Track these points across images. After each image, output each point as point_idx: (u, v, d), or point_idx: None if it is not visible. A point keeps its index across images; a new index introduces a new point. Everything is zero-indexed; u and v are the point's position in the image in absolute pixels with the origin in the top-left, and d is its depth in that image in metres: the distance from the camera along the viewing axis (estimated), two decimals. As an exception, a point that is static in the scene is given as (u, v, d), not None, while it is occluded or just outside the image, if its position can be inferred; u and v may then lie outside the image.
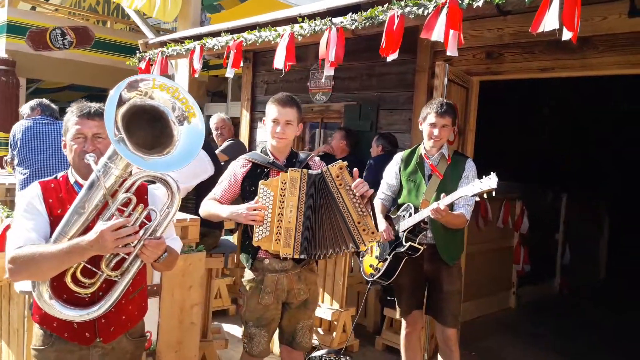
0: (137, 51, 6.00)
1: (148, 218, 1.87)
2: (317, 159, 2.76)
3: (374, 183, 4.18)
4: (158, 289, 2.57)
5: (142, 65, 5.64)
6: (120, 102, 1.69)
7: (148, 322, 2.47)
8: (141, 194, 2.00)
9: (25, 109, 4.08)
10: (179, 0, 6.17)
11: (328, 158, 4.99)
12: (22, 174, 3.83)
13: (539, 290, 5.99)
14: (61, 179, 1.97)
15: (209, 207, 2.60)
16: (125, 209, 1.82)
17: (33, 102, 4.03)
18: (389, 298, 4.16)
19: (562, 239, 6.16)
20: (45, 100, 4.03)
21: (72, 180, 1.95)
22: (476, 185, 2.70)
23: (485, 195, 2.68)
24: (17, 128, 3.91)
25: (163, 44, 5.67)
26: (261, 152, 2.66)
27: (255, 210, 2.41)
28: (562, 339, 4.75)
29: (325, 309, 4.03)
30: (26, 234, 1.81)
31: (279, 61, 4.01)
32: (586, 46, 3.51)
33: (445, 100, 3.05)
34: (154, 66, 5.44)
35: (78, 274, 1.83)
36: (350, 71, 5.09)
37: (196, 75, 4.95)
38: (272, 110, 2.57)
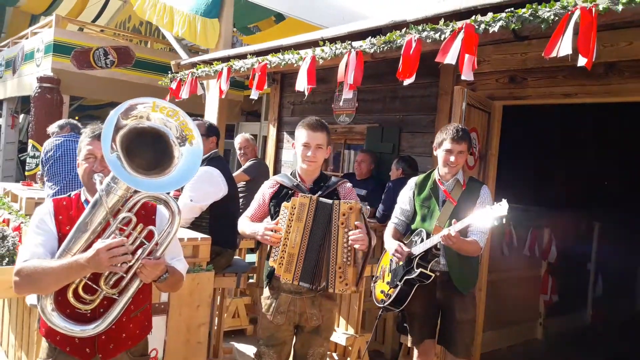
0: (170, 71, 6.19)
1: (150, 238, 1.92)
2: (348, 184, 2.74)
3: (392, 206, 4.17)
4: (165, 307, 2.61)
5: (174, 85, 5.81)
6: (119, 124, 1.75)
7: (155, 340, 2.52)
8: (149, 214, 2.05)
9: (53, 127, 4.26)
10: (217, 26, 6.34)
11: (349, 180, 4.99)
12: (51, 189, 3.99)
13: (568, 322, 5.75)
14: (74, 197, 2.05)
15: (241, 224, 2.71)
16: (126, 228, 1.87)
17: (62, 121, 4.21)
18: (405, 325, 4.09)
19: (594, 269, 5.92)
20: (73, 121, 4.20)
21: (82, 199, 2.03)
22: (487, 211, 2.65)
23: (503, 221, 2.64)
24: (49, 145, 4.08)
25: (194, 65, 5.84)
26: (291, 174, 2.73)
27: (270, 230, 2.46)
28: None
29: (340, 333, 3.99)
30: (34, 248, 1.89)
31: (301, 84, 4.07)
32: (611, 72, 3.42)
33: (460, 126, 3.01)
34: (184, 86, 5.59)
35: (80, 290, 1.89)
36: (374, 93, 5.10)
37: (223, 96, 5.06)
38: (302, 134, 2.61)
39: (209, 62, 5.56)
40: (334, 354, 4.05)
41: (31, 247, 1.89)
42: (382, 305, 3.12)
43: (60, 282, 1.83)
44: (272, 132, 6.28)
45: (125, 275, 1.88)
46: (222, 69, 5.05)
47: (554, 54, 2.49)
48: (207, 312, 2.75)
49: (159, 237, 1.91)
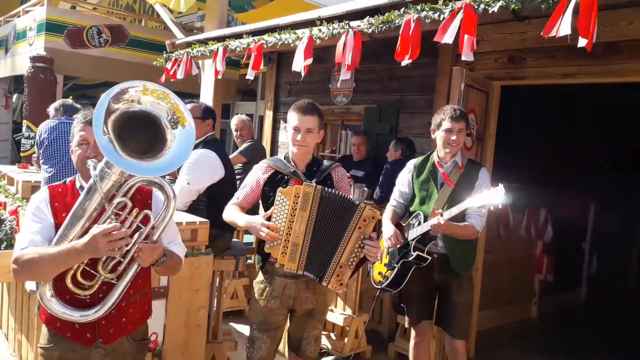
0: (165, 51, 6.11)
1: (146, 223, 1.91)
2: (341, 168, 2.73)
3: (390, 188, 4.16)
4: (165, 291, 2.62)
5: (169, 65, 5.74)
6: (110, 108, 1.73)
7: (155, 324, 2.53)
8: (145, 199, 2.04)
9: (51, 109, 4.22)
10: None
11: (346, 161, 4.98)
12: (47, 172, 3.96)
13: (562, 301, 5.82)
14: (69, 183, 2.04)
15: (230, 212, 2.63)
16: (122, 212, 1.86)
17: (57, 103, 4.16)
18: (402, 305, 4.12)
19: (589, 247, 5.97)
20: (68, 101, 4.16)
21: (77, 185, 2.02)
22: (483, 197, 2.65)
23: (499, 206, 2.63)
24: (43, 128, 4.05)
25: (189, 44, 5.77)
26: (284, 158, 2.66)
27: (267, 227, 2.40)
28: (582, 351, 4.61)
29: (338, 314, 4.03)
30: (31, 236, 1.88)
31: (298, 64, 4.03)
32: (610, 52, 3.39)
33: (458, 107, 3.00)
34: (180, 66, 5.53)
35: (78, 276, 1.88)
36: (371, 73, 5.06)
37: (219, 77, 5.01)
38: (293, 117, 2.56)
39: (204, 42, 5.48)
40: (332, 334, 4.09)
41: (28, 235, 1.88)
42: (379, 287, 3.15)
43: (58, 268, 1.82)
44: (269, 112, 6.24)
45: (122, 259, 1.88)
46: (217, 48, 4.99)
47: (553, 34, 2.46)
48: (206, 295, 2.76)
49: (155, 221, 1.90)
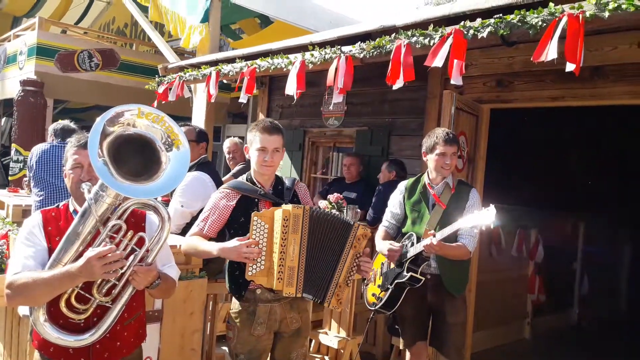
0: (157, 75, 6.15)
1: (141, 245, 1.91)
2: (302, 184, 2.74)
3: (383, 209, 4.19)
4: (159, 315, 2.59)
5: (161, 89, 5.77)
6: (105, 131, 1.74)
7: (149, 348, 2.49)
8: (138, 222, 2.05)
9: (50, 130, 4.21)
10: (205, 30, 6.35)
11: (339, 183, 5.01)
12: (37, 196, 3.94)
13: (555, 321, 5.84)
14: (62, 207, 2.04)
15: (195, 244, 2.48)
16: (116, 235, 1.86)
17: (57, 125, 4.14)
18: (396, 327, 4.11)
19: (580, 268, 6.02)
20: (68, 125, 4.13)
21: (71, 209, 2.02)
22: (474, 217, 2.68)
23: (492, 227, 2.66)
24: (34, 151, 4.03)
25: (181, 68, 5.82)
26: (247, 180, 2.59)
27: (248, 247, 2.33)
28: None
29: (332, 336, 4.00)
30: (24, 260, 1.87)
31: (291, 88, 4.08)
32: (597, 75, 3.48)
33: (447, 129, 3.05)
34: (171, 89, 5.57)
35: (72, 300, 1.87)
36: (363, 97, 5.13)
37: (212, 100, 5.04)
38: (257, 138, 2.49)
39: (196, 66, 5.53)
40: (326, 357, 4.06)
41: (21, 260, 1.87)
42: (373, 308, 3.14)
43: (52, 292, 1.81)
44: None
45: (117, 282, 1.88)
46: (210, 73, 5.03)
47: (542, 58, 2.53)
48: (200, 318, 2.74)
49: (149, 243, 1.91)
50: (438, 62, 2.99)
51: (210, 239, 2.56)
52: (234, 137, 5.30)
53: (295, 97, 4.05)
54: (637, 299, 6.70)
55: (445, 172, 3.01)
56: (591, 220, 6.06)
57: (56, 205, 2.07)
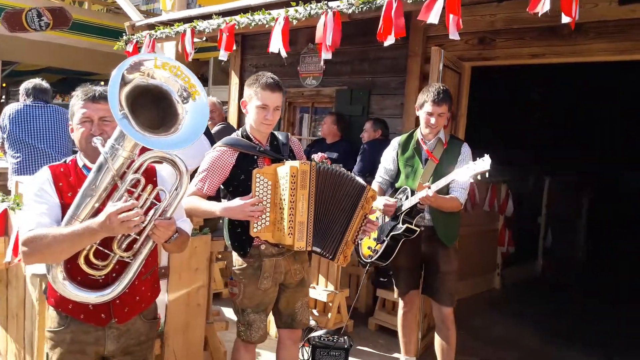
0: (124, 34, 5.90)
1: (157, 199, 1.89)
2: (294, 139, 2.77)
3: (369, 167, 4.26)
4: (166, 271, 2.59)
5: (130, 48, 5.55)
6: (123, 82, 1.69)
7: (157, 304, 2.49)
8: (150, 176, 2.01)
9: (21, 89, 4.00)
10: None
11: (320, 143, 5.03)
12: (14, 158, 3.78)
13: (523, 272, 6.17)
14: (70, 163, 1.98)
15: (197, 204, 2.46)
16: (134, 190, 1.83)
17: (28, 85, 3.93)
18: (381, 280, 4.26)
19: (544, 222, 6.34)
20: (39, 84, 3.94)
21: (80, 164, 1.96)
22: (470, 167, 2.78)
23: (479, 177, 2.77)
24: (7, 111, 3.84)
25: (151, 26, 5.60)
26: (242, 136, 2.59)
27: (252, 205, 2.36)
28: (545, 318, 4.91)
29: (321, 290, 4.10)
30: (38, 218, 1.81)
31: (275, 46, 4.00)
32: (577, 33, 3.59)
33: (442, 87, 3.09)
34: (142, 49, 5.36)
35: (91, 256, 1.85)
36: (342, 55, 5.08)
37: (189, 59, 4.90)
38: (259, 95, 2.48)
39: (167, 24, 5.33)
40: (314, 311, 4.16)
41: (35, 217, 1.81)
42: (369, 261, 3.23)
43: (72, 249, 1.78)
44: (234, 96, 6.17)
45: (138, 237, 1.86)
46: (185, 30, 4.87)
47: (537, 10, 2.60)
48: (205, 274, 2.76)
49: (169, 197, 1.88)
50: (433, 18, 3.01)
51: (208, 198, 2.56)
52: (211, 96, 5.18)
53: (283, 55, 3.98)
54: (593, 250, 7.18)
55: (432, 129, 3.07)
56: (555, 177, 6.36)
57: (63, 160, 2.01)
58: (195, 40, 4.97)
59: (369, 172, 4.09)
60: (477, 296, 5.34)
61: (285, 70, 5.58)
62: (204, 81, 10.52)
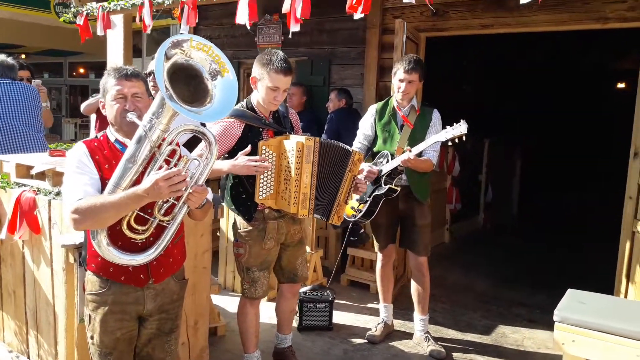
0: (71, 5, 5.68)
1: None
2: (292, 110, 3.00)
3: (336, 135, 4.51)
4: (175, 238, 2.72)
5: (80, 21, 5.38)
6: (166, 58, 1.85)
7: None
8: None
9: None
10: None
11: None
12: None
13: (468, 226, 6.75)
14: (102, 138, 2.10)
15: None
16: (171, 159, 1.99)
17: None
18: (352, 239, 4.58)
19: (485, 180, 6.92)
20: (4, 60, 3.81)
21: (112, 139, 2.09)
22: (448, 131, 3.12)
23: (456, 140, 3.11)
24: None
25: (100, -2, 5.43)
26: (247, 108, 2.78)
27: (256, 162, 2.60)
28: (490, 266, 5.48)
29: (298, 252, 4.35)
30: (83, 187, 1.94)
31: (242, 17, 4.08)
32: (522, 5, 3.97)
33: (414, 57, 3.36)
34: (98, 23, 5.22)
35: (132, 222, 2.00)
36: (300, 26, 5.23)
37: (148, 31, 4.85)
38: (272, 77, 2.65)
39: (119, -5, 5.21)
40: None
41: (81, 186, 1.94)
42: (352, 220, 3.52)
43: (118, 214, 1.92)
44: (188, 68, 6.13)
45: (176, 202, 2.02)
46: (142, 2, 4.81)
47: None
48: (209, 239, 2.92)
49: (202, 165, 2.05)
50: None
51: None
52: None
53: (248, 27, 4.08)
54: (525, 205, 7.93)
55: (403, 95, 3.36)
56: (494, 139, 6.93)
57: (94, 136, 2.13)
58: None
59: (335, 138, 4.34)
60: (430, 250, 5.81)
61: (242, 41, 5.66)
62: (138, 52, 10.20)
